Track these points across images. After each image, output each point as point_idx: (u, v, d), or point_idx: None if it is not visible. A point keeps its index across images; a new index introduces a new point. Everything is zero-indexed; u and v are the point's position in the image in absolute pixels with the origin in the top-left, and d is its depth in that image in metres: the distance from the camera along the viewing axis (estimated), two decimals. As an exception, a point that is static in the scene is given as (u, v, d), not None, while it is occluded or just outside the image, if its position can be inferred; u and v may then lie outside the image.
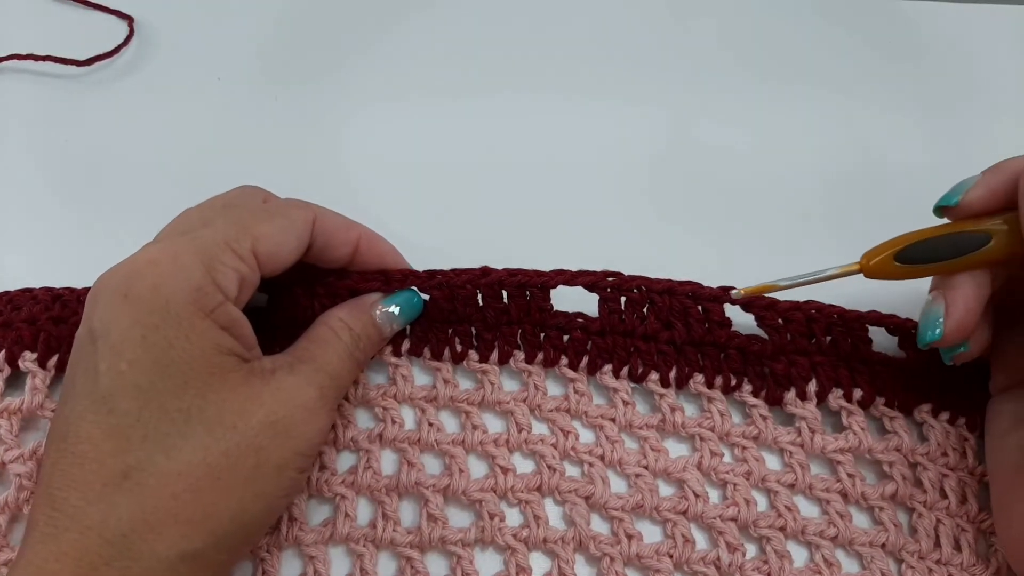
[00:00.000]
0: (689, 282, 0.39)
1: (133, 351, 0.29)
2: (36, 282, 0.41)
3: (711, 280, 0.39)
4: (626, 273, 0.39)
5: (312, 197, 0.38)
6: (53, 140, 0.47)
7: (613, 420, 0.39)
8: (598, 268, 0.39)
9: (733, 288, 0.38)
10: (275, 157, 0.47)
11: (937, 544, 0.37)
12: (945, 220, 0.35)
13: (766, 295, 0.38)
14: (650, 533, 0.38)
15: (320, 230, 0.35)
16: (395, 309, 0.37)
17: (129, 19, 0.50)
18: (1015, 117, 0.49)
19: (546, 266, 0.39)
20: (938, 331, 0.34)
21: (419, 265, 0.40)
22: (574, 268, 0.39)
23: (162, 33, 0.50)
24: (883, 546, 0.37)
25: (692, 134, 0.48)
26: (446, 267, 0.39)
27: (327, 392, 0.33)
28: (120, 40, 0.49)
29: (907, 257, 0.34)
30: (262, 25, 0.51)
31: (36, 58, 0.48)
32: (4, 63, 0.48)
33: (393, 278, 0.38)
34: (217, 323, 0.31)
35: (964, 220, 0.34)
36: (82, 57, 0.48)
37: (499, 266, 0.39)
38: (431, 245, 0.42)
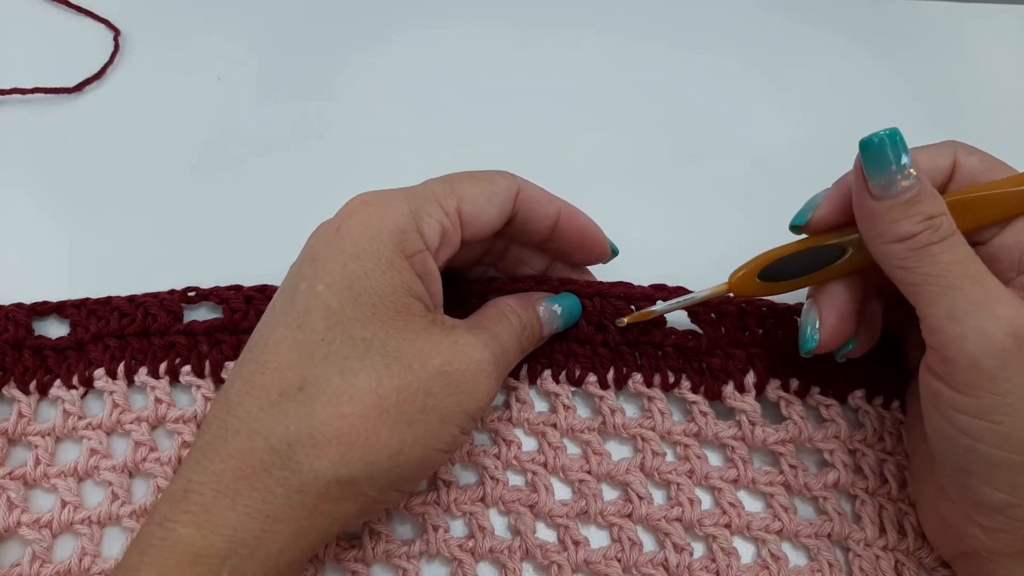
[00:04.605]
0: (620, 283, 0.39)
1: (331, 275, 0.31)
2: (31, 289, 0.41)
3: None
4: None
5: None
6: (53, 139, 0.47)
7: (555, 426, 0.39)
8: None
9: (664, 285, 0.38)
10: (275, 157, 0.47)
11: (882, 530, 0.37)
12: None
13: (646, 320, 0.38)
14: (597, 538, 0.37)
15: (523, 201, 0.35)
16: (558, 308, 0.38)
17: (116, 31, 0.49)
18: (1015, 117, 0.49)
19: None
20: (816, 339, 0.34)
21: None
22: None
23: (160, 36, 0.50)
24: (828, 536, 0.37)
25: (691, 130, 0.49)
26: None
27: (499, 360, 0.34)
28: (109, 42, 0.49)
29: (771, 274, 0.34)
30: (261, 26, 0.51)
31: (23, 91, 0.47)
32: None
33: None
34: (414, 268, 0.32)
35: (822, 234, 0.34)
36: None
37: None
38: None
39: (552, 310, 0.37)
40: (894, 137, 0.30)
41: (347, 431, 0.30)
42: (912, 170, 0.30)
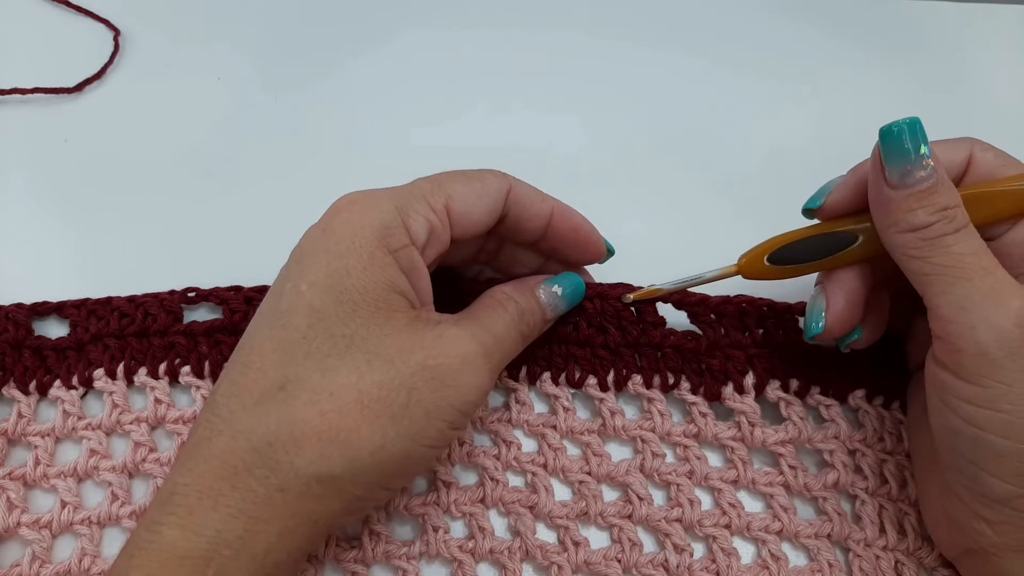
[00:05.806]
0: (621, 284, 0.39)
1: (315, 274, 0.31)
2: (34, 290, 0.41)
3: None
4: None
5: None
6: (53, 139, 0.47)
7: (554, 428, 0.39)
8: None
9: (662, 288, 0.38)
10: (275, 158, 0.47)
11: (882, 530, 0.37)
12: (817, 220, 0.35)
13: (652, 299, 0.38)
14: (597, 539, 0.38)
15: (514, 200, 0.35)
16: (558, 289, 0.37)
17: (116, 31, 0.49)
18: (1014, 117, 0.49)
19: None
20: (820, 324, 0.34)
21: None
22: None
23: (160, 36, 0.50)
24: (828, 536, 0.37)
25: (691, 130, 0.49)
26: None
27: (491, 351, 0.33)
28: (109, 42, 0.49)
29: (781, 258, 0.34)
30: (261, 26, 0.51)
31: (23, 91, 0.47)
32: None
33: None
34: (398, 263, 0.32)
35: (834, 220, 0.34)
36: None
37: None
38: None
39: (552, 291, 0.37)
40: (914, 126, 0.31)
41: (326, 428, 0.30)
42: (930, 160, 0.30)
